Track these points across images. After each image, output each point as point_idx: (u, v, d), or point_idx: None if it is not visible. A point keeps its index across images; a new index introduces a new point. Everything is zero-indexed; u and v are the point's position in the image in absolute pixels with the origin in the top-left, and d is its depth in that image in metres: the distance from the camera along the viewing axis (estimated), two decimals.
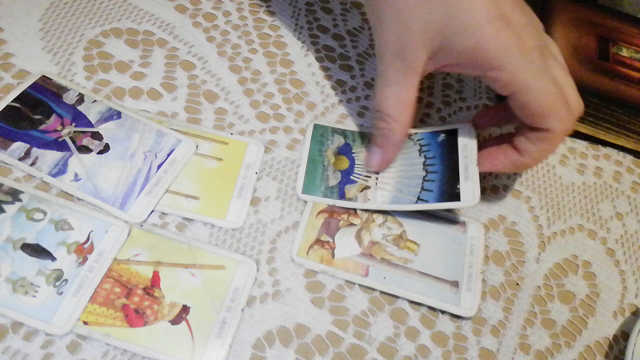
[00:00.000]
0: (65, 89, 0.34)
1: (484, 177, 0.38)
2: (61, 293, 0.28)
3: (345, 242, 0.32)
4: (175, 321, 0.28)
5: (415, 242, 0.33)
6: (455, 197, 0.31)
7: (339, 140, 0.36)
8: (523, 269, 0.35)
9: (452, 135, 0.34)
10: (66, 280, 0.28)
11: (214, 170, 0.34)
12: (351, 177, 0.34)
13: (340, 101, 0.39)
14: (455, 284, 0.32)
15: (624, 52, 0.44)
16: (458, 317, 0.32)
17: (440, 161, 0.33)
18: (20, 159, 0.31)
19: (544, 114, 0.29)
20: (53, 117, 0.33)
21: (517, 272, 0.35)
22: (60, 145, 0.32)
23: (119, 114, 0.34)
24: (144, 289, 0.29)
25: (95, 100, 0.34)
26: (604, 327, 0.34)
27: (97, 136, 0.33)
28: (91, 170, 0.32)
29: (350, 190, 0.34)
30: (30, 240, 0.29)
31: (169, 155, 0.33)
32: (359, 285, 0.31)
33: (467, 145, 0.33)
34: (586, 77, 0.41)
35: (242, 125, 0.36)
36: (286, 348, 0.29)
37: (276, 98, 0.38)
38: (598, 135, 0.42)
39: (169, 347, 0.27)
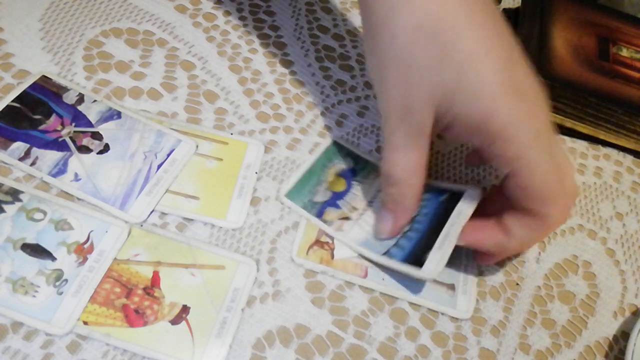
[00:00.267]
0: (65, 89, 0.34)
1: (484, 177, 0.38)
2: (61, 293, 0.28)
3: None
4: (175, 321, 0.28)
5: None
6: (419, 264, 0.29)
7: (348, 163, 0.35)
8: (523, 269, 0.35)
9: (455, 198, 0.32)
10: (66, 280, 0.28)
11: (214, 170, 0.34)
12: (338, 201, 0.34)
13: (340, 101, 0.39)
14: (452, 287, 0.32)
15: (624, 52, 0.44)
16: (456, 318, 0.32)
17: (428, 221, 0.32)
18: (20, 159, 0.31)
19: (543, 198, 0.27)
20: (53, 117, 0.33)
21: (517, 272, 0.35)
22: (60, 145, 0.32)
23: (119, 114, 0.34)
24: (144, 289, 0.29)
25: (95, 100, 0.34)
26: (604, 327, 0.34)
27: (97, 136, 0.33)
28: (91, 170, 0.32)
29: (330, 214, 0.33)
30: (30, 240, 0.29)
31: (169, 155, 0.33)
32: (359, 285, 0.32)
33: (461, 213, 0.31)
34: (586, 77, 0.41)
35: (242, 125, 0.36)
36: (286, 348, 0.29)
37: (276, 98, 0.38)
38: (598, 135, 0.42)
39: (169, 347, 0.27)
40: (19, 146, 0.31)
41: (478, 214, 0.31)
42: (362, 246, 0.32)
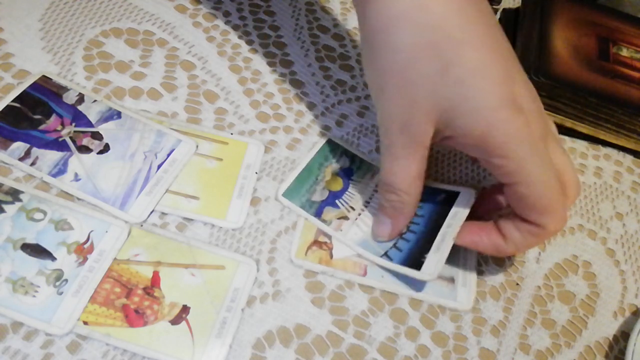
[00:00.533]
0: (65, 89, 0.34)
1: (484, 176, 0.38)
2: (61, 293, 0.28)
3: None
4: (175, 321, 0.28)
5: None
6: (417, 265, 0.30)
7: (344, 162, 0.36)
8: (523, 269, 0.35)
9: (451, 199, 0.33)
10: (66, 280, 0.28)
11: (214, 170, 0.34)
12: (336, 201, 0.34)
13: (340, 101, 0.39)
14: (451, 280, 0.32)
15: (624, 52, 0.44)
16: (457, 314, 0.32)
17: (425, 223, 0.32)
18: (20, 159, 0.31)
19: (541, 210, 0.28)
20: (53, 117, 0.33)
21: (517, 272, 0.35)
22: (60, 145, 0.32)
23: (119, 114, 0.34)
24: (144, 289, 0.29)
25: (95, 100, 0.34)
26: (604, 327, 0.34)
27: (97, 136, 0.33)
28: (91, 170, 0.32)
29: (329, 214, 0.33)
30: (30, 240, 0.29)
31: (169, 155, 0.33)
32: (358, 284, 0.32)
33: (457, 214, 0.31)
34: (586, 77, 0.41)
35: (242, 125, 0.36)
36: (286, 348, 0.29)
37: (276, 98, 0.38)
38: (598, 135, 0.42)
39: (169, 347, 0.27)
40: (19, 146, 0.32)
41: (472, 213, 0.31)
42: (361, 247, 0.32)
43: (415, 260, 0.30)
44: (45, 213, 0.30)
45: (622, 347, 0.33)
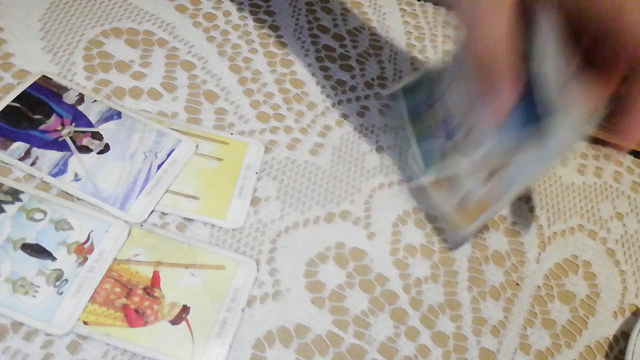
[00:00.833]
0: (65, 89, 0.34)
1: None
2: (61, 293, 0.28)
3: None
4: (175, 321, 0.28)
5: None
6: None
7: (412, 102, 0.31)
8: (523, 269, 0.35)
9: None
10: (66, 280, 0.28)
11: (214, 170, 0.34)
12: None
13: (340, 101, 0.39)
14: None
15: None
16: (457, 315, 0.32)
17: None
18: (20, 159, 0.31)
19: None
20: (53, 117, 0.33)
21: (517, 272, 0.35)
22: (60, 145, 0.32)
23: (119, 114, 0.34)
24: (144, 289, 0.29)
25: (95, 100, 0.34)
26: (604, 327, 0.34)
27: (97, 136, 0.33)
28: (91, 170, 0.32)
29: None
30: (31, 240, 0.29)
31: (169, 155, 0.33)
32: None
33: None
34: None
35: (242, 125, 0.36)
36: (286, 348, 0.29)
37: (276, 98, 0.38)
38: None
39: (169, 347, 0.27)
40: (19, 146, 0.31)
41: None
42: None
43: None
44: (45, 213, 0.30)
45: (622, 347, 0.33)
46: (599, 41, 0.24)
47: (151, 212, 0.31)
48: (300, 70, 0.40)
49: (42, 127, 0.33)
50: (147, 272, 0.29)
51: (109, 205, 0.31)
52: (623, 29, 0.23)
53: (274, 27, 0.42)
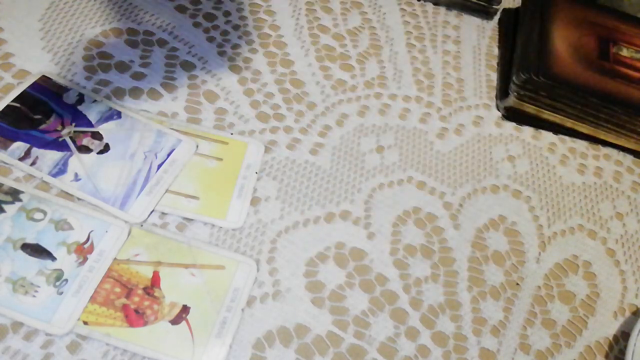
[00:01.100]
0: (65, 89, 0.34)
1: (484, 176, 0.38)
2: (61, 293, 0.28)
3: None
4: (175, 321, 0.28)
5: None
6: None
7: None
8: (523, 269, 0.35)
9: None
10: (66, 280, 0.28)
11: (214, 170, 0.34)
12: None
13: (341, 101, 0.39)
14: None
15: (624, 52, 0.44)
16: (457, 315, 0.32)
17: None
18: (20, 159, 0.31)
19: None
20: (53, 117, 0.33)
21: (517, 272, 0.35)
22: (60, 145, 0.32)
23: (119, 114, 0.34)
24: (144, 289, 0.29)
25: (95, 100, 0.34)
26: (604, 327, 0.34)
27: (97, 136, 0.33)
28: (91, 170, 0.32)
29: None
30: (31, 240, 0.29)
31: (169, 155, 0.33)
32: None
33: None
34: (586, 77, 0.41)
35: (242, 125, 0.36)
36: (286, 348, 0.29)
37: (276, 98, 0.38)
38: (598, 135, 0.42)
39: (169, 347, 0.27)
40: (19, 146, 0.31)
41: None
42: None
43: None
44: (45, 213, 0.30)
45: (622, 347, 0.33)
46: None
47: (151, 212, 0.31)
48: (300, 70, 0.40)
49: (42, 127, 0.33)
50: (147, 272, 0.29)
51: (109, 205, 0.31)
52: None
53: (274, 27, 0.42)
